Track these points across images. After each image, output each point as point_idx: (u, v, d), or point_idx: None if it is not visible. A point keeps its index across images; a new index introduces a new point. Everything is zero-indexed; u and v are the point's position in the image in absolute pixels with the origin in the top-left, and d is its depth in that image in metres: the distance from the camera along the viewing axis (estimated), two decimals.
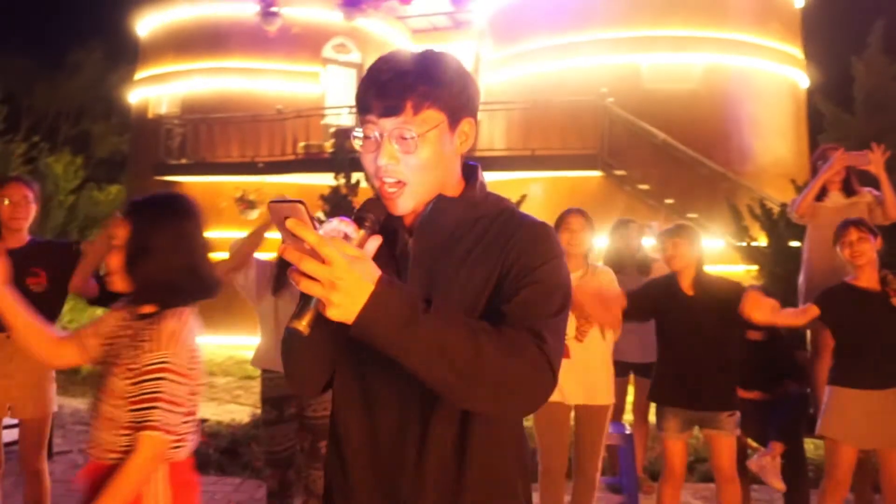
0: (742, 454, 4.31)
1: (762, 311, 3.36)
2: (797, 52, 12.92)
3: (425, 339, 1.09)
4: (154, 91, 15.01)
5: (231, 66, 14.06)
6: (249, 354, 11.43)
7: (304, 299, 1.12)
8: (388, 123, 1.25)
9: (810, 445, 5.11)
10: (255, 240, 3.67)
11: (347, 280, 1.06)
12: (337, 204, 7.38)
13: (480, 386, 1.13)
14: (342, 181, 7.59)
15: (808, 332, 4.81)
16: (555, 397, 3.52)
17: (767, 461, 3.91)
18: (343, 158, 8.28)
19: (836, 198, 4.40)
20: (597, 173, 10.50)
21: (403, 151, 1.26)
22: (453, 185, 1.36)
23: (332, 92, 14.67)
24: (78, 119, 22.68)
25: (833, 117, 6.31)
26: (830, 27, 13.42)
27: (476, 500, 1.30)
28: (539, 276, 1.26)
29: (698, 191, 10.08)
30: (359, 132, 1.30)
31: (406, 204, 1.29)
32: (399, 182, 1.27)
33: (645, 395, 5.06)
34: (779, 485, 3.93)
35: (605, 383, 3.69)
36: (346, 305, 1.06)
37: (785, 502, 4.34)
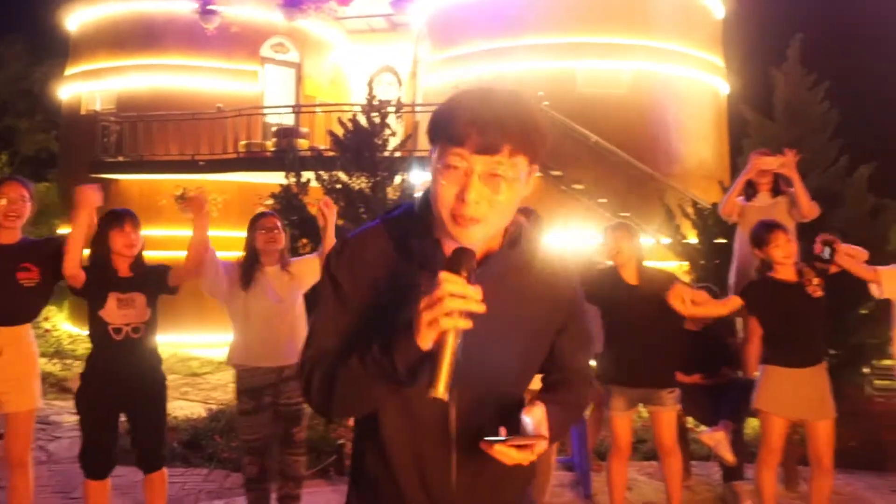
0: (681, 431, 4.74)
1: (684, 302, 3.79)
2: (719, 60, 13.71)
3: (558, 436, 1.48)
4: (87, 87, 14.60)
5: (167, 63, 13.84)
6: (193, 352, 11.43)
7: (432, 366, 1.19)
8: (482, 161, 1.27)
9: (748, 429, 5.60)
10: (199, 237, 3.70)
11: (545, 447, 1.34)
12: (288, 202, 7.47)
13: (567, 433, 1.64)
14: (293, 180, 7.67)
15: (740, 321, 5.28)
16: None
17: (721, 436, 4.31)
18: (294, 158, 8.37)
19: (763, 198, 4.85)
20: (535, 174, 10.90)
21: (492, 190, 1.28)
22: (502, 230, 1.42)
23: (271, 91, 14.66)
24: (0, 115, 21.71)
25: (756, 123, 6.84)
26: (752, 39, 14.31)
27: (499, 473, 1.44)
28: (583, 325, 1.56)
29: (629, 191, 10.61)
30: (437, 156, 1.32)
31: (477, 237, 1.31)
32: (477, 220, 1.29)
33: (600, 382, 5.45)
34: (730, 457, 4.34)
35: None
36: (537, 454, 1.33)
37: (723, 474, 4.80)
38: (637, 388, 4.00)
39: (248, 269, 3.92)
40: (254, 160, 12.61)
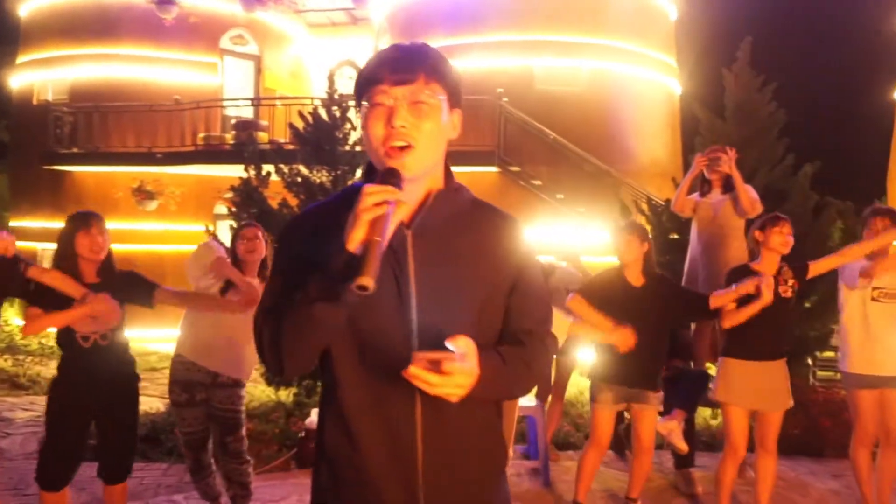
0: None
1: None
2: (672, 61, 14.02)
3: (504, 387, 1.49)
4: (39, 76, 14.25)
5: (123, 53, 13.58)
6: (149, 347, 11.26)
7: (366, 255, 1.27)
8: (402, 91, 1.40)
9: (699, 419, 5.81)
10: (212, 304, 3.79)
11: (472, 381, 1.33)
12: (248, 195, 7.42)
13: (527, 392, 1.64)
14: (252, 173, 7.63)
15: None
16: None
17: (674, 426, 4.47)
18: (253, 150, 8.32)
19: (716, 194, 5.03)
20: (493, 169, 11.01)
21: (415, 116, 1.40)
22: (440, 173, 1.50)
23: (231, 83, 14.51)
24: None
25: (708, 122, 7.03)
26: (704, 40, 14.67)
27: (472, 447, 1.51)
28: (536, 279, 1.56)
29: (586, 187, 10.80)
30: (364, 104, 1.43)
31: (410, 164, 1.40)
32: (408, 146, 1.39)
33: (564, 375, 5.57)
34: (682, 445, 4.50)
35: None
36: (464, 393, 1.33)
37: (675, 462, 4.98)
38: (629, 387, 4.07)
39: (229, 281, 3.82)
40: (213, 153, 12.48)
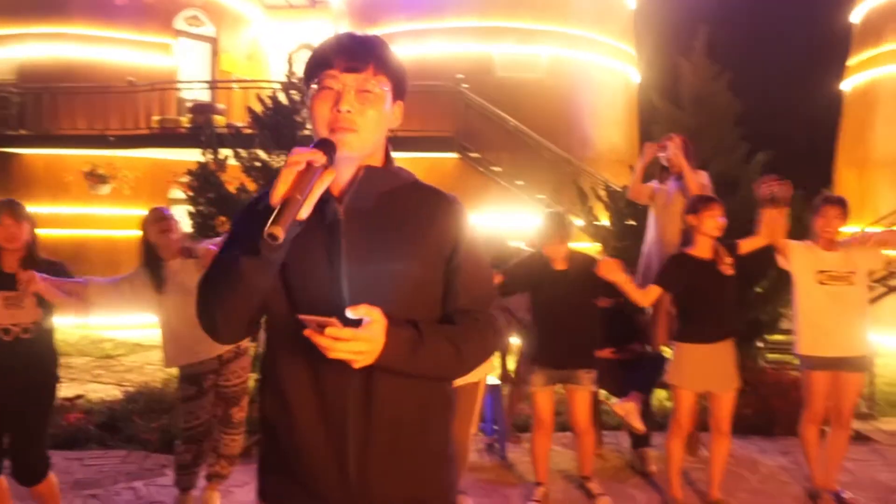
0: (595, 403, 5.01)
1: (616, 273, 3.99)
2: (630, 49, 14.19)
3: (424, 362, 1.45)
4: None
5: (73, 32, 13.21)
6: (106, 334, 11.03)
7: (281, 208, 1.31)
8: (351, 78, 1.46)
9: (655, 400, 5.95)
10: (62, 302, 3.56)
11: (373, 348, 1.36)
12: (205, 179, 7.31)
13: (459, 373, 1.56)
14: (210, 157, 7.51)
15: None
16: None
17: (632, 407, 4.59)
18: (211, 134, 8.19)
19: (671, 182, 5.15)
20: (453, 155, 11.05)
21: (361, 103, 1.46)
22: (379, 157, 1.55)
23: (186, 65, 14.21)
24: None
25: (665, 111, 7.16)
26: (661, 29, 14.87)
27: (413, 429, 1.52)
28: (474, 258, 1.57)
29: (545, 174, 10.91)
30: (313, 86, 1.49)
31: (352, 144, 1.46)
32: (352, 129, 1.45)
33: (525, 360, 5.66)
34: (639, 426, 4.63)
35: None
36: (368, 361, 1.36)
37: (632, 442, 5.11)
38: (558, 369, 4.18)
39: (154, 271, 3.75)
40: (168, 136, 12.24)
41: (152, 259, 3.79)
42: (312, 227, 1.42)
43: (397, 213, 1.51)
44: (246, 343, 4.09)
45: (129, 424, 5.54)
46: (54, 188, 11.65)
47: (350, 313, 1.34)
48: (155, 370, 8.38)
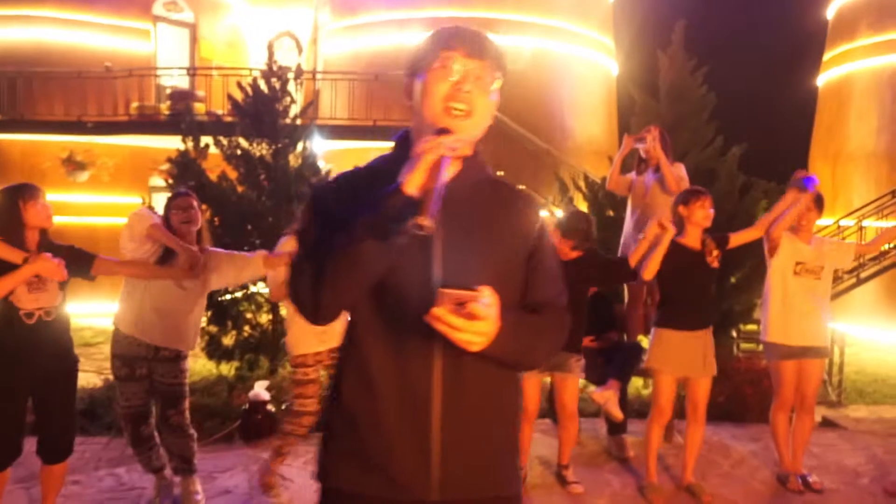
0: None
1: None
2: (610, 42, 14.30)
3: (517, 349, 1.48)
4: None
5: (48, 15, 13.01)
6: (85, 322, 10.96)
7: (423, 199, 1.34)
8: (473, 64, 1.50)
9: (632, 388, 6.07)
10: (155, 272, 3.80)
11: (491, 330, 1.35)
12: (186, 167, 7.28)
13: (536, 363, 1.63)
14: (190, 145, 7.47)
15: (626, 289, 5.70)
16: None
17: (610, 394, 4.68)
18: (192, 121, 8.16)
19: (650, 173, 5.25)
20: None
21: (478, 88, 1.51)
22: (470, 148, 1.56)
23: (164, 52, 14.08)
24: None
25: (643, 103, 7.28)
26: (640, 23, 15.00)
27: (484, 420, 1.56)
28: (551, 255, 1.64)
29: (526, 164, 10.99)
30: (432, 63, 1.50)
31: (466, 129, 1.49)
32: (468, 111, 1.49)
33: None
34: (617, 413, 4.72)
35: None
36: (483, 345, 1.35)
37: (608, 428, 5.22)
38: None
39: (167, 250, 3.79)
40: (147, 123, 12.14)
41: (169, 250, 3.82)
42: (413, 207, 1.41)
43: (487, 206, 1.55)
44: (187, 354, 4.01)
45: (110, 412, 5.55)
46: (31, 175, 11.48)
47: (483, 294, 1.32)
48: None
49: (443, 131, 1.44)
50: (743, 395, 6.14)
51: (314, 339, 4.02)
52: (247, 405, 5.25)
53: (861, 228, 10.42)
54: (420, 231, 1.31)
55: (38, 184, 3.52)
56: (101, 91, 12.27)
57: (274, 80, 7.37)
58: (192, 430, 4.01)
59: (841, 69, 13.77)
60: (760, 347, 8.10)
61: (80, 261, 3.48)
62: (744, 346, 8.02)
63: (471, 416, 1.53)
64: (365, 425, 1.53)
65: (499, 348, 1.40)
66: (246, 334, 6.85)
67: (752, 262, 6.25)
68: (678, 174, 5.04)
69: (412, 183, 1.37)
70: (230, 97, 7.57)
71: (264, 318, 7.03)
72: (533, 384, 4.38)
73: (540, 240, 1.62)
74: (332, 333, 3.84)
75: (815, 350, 4.45)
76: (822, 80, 14.49)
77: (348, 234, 1.40)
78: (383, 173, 1.47)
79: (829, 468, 4.96)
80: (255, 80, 7.37)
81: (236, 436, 5.17)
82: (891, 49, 12.74)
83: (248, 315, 6.97)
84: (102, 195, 12.35)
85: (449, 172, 1.42)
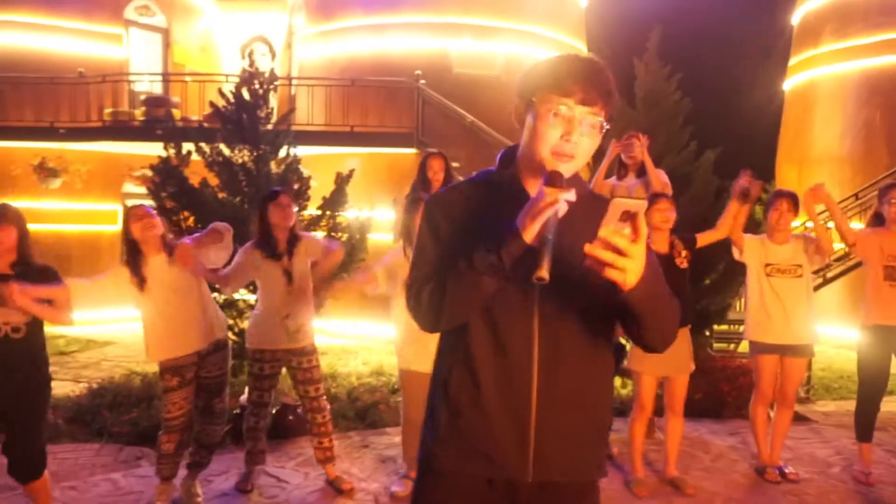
0: None
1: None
2: (583, 47, 14.52)
3: (661, 297, 1.59)
4: None
5: (19, 20, 12.79)
6: (59, 330, 10.78)
7: (538, 256, 1.46)
8: (583, 111, 1.60)
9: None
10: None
11: (641, 263, 1.45)
12: (168, 174, 7.28)
13: (669, 331, 1.68)
14: (172, 151, 7.46)
15: None
16: (418, 367, 4.02)
17: None
18: (173, 128, 8.14)
19: (631, 178, 5.41)
20: (412, 151, 11.14)
21: (585, 135, 1.62)
22: None
23: (137, 57, 13.95)
24: None
25: (619, 109, 7.44)
26: (613, 29, 15.24)
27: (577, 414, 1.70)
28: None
29: None
30: (543, 107, 1.62)
31: (570, 169, 1.64)
32: (573, 156, 1.63)
33: None
34: None
35: None
36: (635, 280, 1.45)
37: None
38: None
39: (135, 267, 3.82)
40: (121, 129, 12.01)
41: (134, 255, 3.86)
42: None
43: (585, 220, 1.61)
44: (225, 337, 4.20)
45: (98, 419, 5.56)
46: (1, 182, 11.35)
47: (626, 201, 1.40)
48: (112, 366, 8.32)
49: (555, 177, 1.54)
50: (720, 393, 6.34)
51: (272, 338, 4.23)
52: (238, 409, 5.29)
53: (827, 230, 10.73)
54: (540, 282, 1.45)
55: (8, 191, 3.52)
56: (74, 97, 12.13)
57: (256, 85, 7.39)
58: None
59: (806, 75, 14.14)
60: (731, 346, 8.39)
61: (50, 281, 3.41)
62: (716, 345, 8.24)
63: (565, 403, 1.67)
64: (470, 411, 1.68)
65: (644, 290, 1.49)
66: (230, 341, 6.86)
67: (726, 263, 6.44)
68: (663, 180, 5.21)
69: (530, 233, 1.50)
70: (212, 104, 7.58)
71: (246, 324, 7.06)
72: (650, 382, 4.50)
73: None
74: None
75: (796, 348, 4.61)
76: (789, 85, 14.86)
77: (469, 264, 1.56)
78: (493, 192, 1.69)
79: (802, 460, 5.17)
80: (237, 86, 7.38)
81: (227, 440, 5.20)
82: (854, 55, 13.14)
83: (230, 322, 6.99)
84: (75, 202, 12.21)
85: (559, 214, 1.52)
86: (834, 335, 10.00)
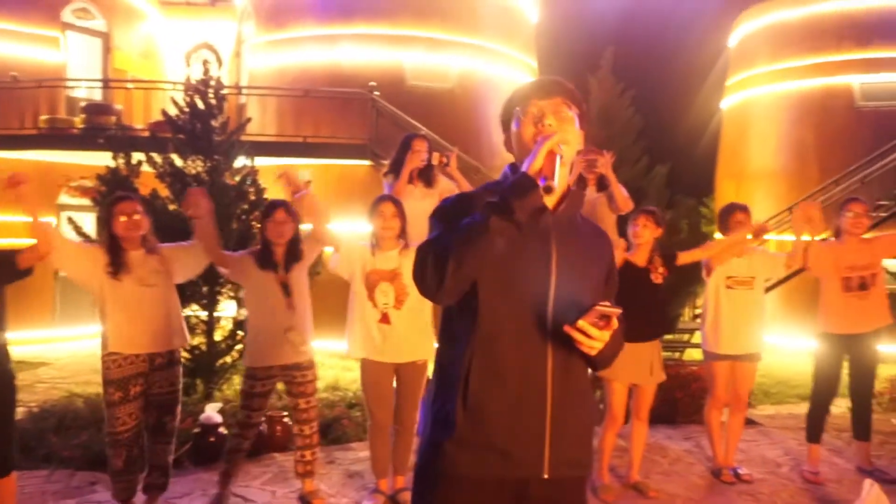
0: None
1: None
2: (534, 63, 14.75)
3: (612, 352, 1.88)
4: None
5: None
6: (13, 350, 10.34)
7: (548, 164, 1.68)
8: (547, 102, 1.84)
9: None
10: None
11: (603, 343, 1.72)
12: (118, 184, 7.01)
13: (604, 364, 1.88)
14: (121, 161, 7.22)
15: None
16: (378, 357, 4.12)
17: None
18: (124, 137, 7.89)
19: (591, 192, 5.51)
20: (365, 162, 11.11)
21: (559, 118, 1.83)
22: (569, 181, 1.91)
23: (75, 62, 13.46)
24: None
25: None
26: (563, 45, 15.52)
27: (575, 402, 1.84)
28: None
29: None
30: (520, 112, 1.86)
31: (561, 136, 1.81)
32: (551, 133, 1.78)
33: None
34: None
35: (424, 342, 4.23)
36: (596, 351, 1.72)
37: None
38: None
39: (114, 256, 3.80)
40: (59, 137, 11.53)
41: (114, 246, 3.82)
42: (528, 233, 1.71)
43: (585, 235, 1.90)
44: (179, 352, 4.09)
45: (43, 443, 5.28)
46: None
47: (606, 308, 1.67)
48: (47, 388, 7.94)
49: (545, 137, 1.75)
50: (674, 399, 6.51)
51: (271, 353, 4.11)
52: (198, 428, 5.14)
53: (763, 241, 11.17)
54: (547, 192, 1.67)
55: None
56: (8, 102, 11.61)
57: (210, 95, 7.24)
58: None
59: (742, 94, 14.72)
60: (676, 355, 8.64)
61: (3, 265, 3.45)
62: (665, 353, 8.45)
63: (573, 403, 1.81)
64: (490, 411, 1.74)
65: (600, 353, 1.75)
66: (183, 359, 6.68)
67: (676, 277, 6.64)
68: (625, 194, 5.33)
69: (534, 167, 1.68)
70: (164, 112, 7.38)
71: (197, 339, 6.88)
72: (621, 389, 4.57)
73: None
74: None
75: (747, 356, 4.83)
76: (726, 104, 15.42)
77: (474, 216, 1.68)
78: (488, 193, 1.79)
79: (754, 461, 5.39)
80: (191, 95, 7.21)
81: (186, 462, 5.04)
82: (787, 77, 13.77)
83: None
84: (6, 214, 11.69)
85: (564, 173, 1.74)
86: (771, 343, 10.40)
